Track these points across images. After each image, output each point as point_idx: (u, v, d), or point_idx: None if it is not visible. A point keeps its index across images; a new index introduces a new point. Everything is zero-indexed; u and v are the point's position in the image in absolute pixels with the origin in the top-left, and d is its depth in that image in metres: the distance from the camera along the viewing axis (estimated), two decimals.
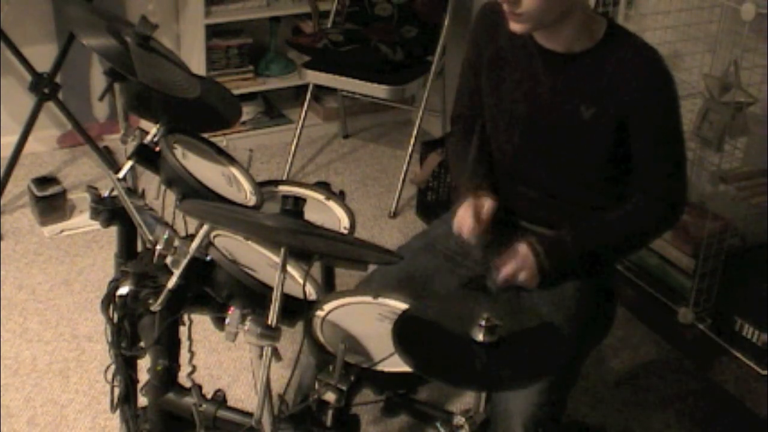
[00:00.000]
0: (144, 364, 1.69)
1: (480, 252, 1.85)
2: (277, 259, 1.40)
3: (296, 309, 1.54)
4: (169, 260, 1.55)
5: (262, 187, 1.92)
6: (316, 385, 1.42)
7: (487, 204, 1.86)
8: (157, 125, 1.83)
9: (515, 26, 1.76)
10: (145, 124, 1.88)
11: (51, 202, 3.22)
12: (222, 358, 2.63)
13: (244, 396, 2.49)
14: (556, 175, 1.90)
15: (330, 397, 1.40)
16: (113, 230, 1.87)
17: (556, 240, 1.83)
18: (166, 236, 1.56)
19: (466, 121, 2.05)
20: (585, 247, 1.85)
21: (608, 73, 1.78)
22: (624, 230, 1.88)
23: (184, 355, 1.65)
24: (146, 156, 1.81)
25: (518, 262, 1.80)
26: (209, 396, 1.58)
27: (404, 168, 3.53)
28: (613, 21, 1.86)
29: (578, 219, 1.87)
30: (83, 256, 3.08)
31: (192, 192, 1.69)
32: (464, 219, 1.85)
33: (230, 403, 1.58)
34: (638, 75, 1.76)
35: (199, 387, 1.59)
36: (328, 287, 2.08)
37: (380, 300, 1.64)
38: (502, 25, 1.82)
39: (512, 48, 1.88)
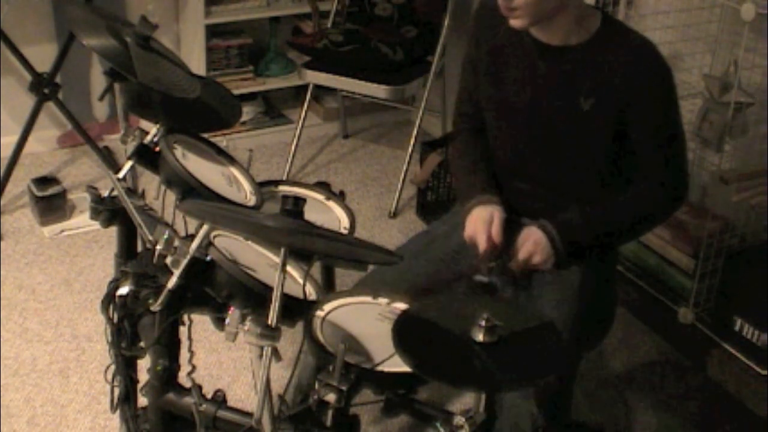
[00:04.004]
0: (144, 364, 1.69)
1: (491, 263, 1.84)
2: (277, 259, 1.40)
3: (296, 309, 1.54)
4: (169, 260, 1.55)
5: (262, 187, 1.92)
6: (316, 385, 1.42)
7: (497, 215, 1.87)
8: (157, 125, 1.83)
9: (514, 22, 1.78)
10: (145, 124, 1.88)
11: (51, 202, 3.21)
12: (222, 358, 2.63)
13: (244, 396, 2.49)
14: (557, 168, 1.90)
15: (330, 397, 1.40)
16: (113, 230, 1.87)
17: (565, 221, 1.84)
18: (166, 236, 1.56)
19: (470, 119, 2.05)
20: (593, 227, 1.87)
21: (605, 64, 1.79)
22: (628, 214, 1.90)
23: (184, 355, 1.65)
24: (146, 156, 1.81)
25: (532, 245, 1.81)
26: (209, 396, 1.58)
27: (404, 168, 3.53)
28: (607, 14, 1.89)
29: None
30: (83, 256, 3.08)
31: (192, 192, 1.69)
32: (477, 231, 1.85)
33: (230, 403, 1.58)
34: (634, 64, 1.78)
35: (199, 387, 1.59)
36: (328, 287, 2.08)
37: (380, 300, 1.64)
38: (500, 21, 1.83)
39: (510, 43, 1.89)
